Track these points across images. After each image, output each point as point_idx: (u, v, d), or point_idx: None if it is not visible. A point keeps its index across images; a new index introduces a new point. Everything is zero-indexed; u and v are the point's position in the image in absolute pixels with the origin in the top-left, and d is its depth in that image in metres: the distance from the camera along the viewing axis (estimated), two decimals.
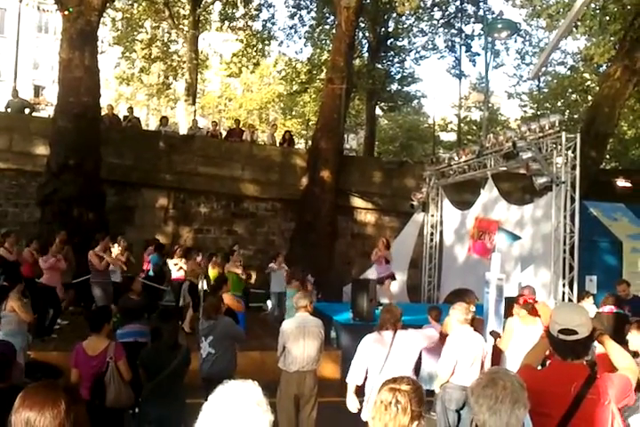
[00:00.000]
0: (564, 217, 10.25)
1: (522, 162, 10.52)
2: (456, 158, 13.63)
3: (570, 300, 9.78)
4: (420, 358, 6.89)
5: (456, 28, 27.36)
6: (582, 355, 3.05)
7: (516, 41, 28.23)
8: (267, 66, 36.34)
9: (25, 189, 14.95)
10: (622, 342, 4.13)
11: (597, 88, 20.04)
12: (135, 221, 15.98)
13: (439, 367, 5.69)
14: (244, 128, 19.48)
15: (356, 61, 25.92)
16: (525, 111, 35.29)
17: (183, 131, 20.62)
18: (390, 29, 27.35)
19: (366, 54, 27.65)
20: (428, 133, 38.08)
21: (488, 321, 7.71)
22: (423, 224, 15.30)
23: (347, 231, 17.66)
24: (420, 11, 25.72)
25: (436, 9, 27.04)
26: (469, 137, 35.76)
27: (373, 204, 17.78)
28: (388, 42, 27.59)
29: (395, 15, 25.91)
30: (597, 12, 15.91)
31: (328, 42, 25.57)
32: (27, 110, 16.73)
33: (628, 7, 15.29)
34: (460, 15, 26.84)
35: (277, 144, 18.86)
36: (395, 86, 30.65)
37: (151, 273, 12.06)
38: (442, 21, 27.51)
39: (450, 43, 28.06)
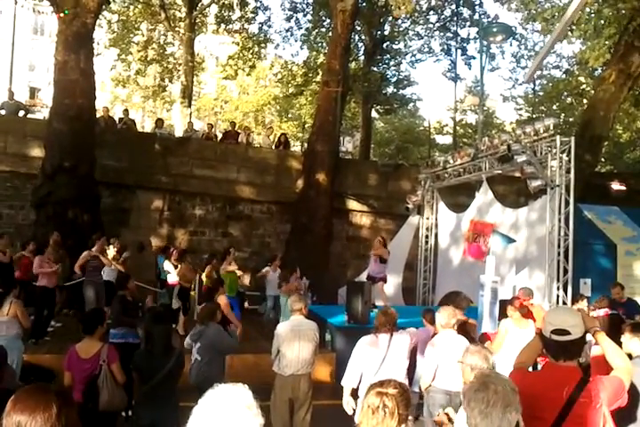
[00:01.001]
0: (559, 220, 10.27)
1: (517, 165, 10.55)
2: (451, 161, 13.65)
3: (564, 303, 9.79)
4: (415, 359, 6.94)
5: (452, 31, 27.45)
6: (575, 356, 3.05)
7: (511, 44, 28.45)
8: (263, 68, 36.38)
9: (20, 191, 14.91)
10: (618, 343, 4.14)
11: (592, 91, 20.14)
12: (130, 223, 15.96)
13: (422, 371, 5.69)
14: (239, 130, 19.46)
15: (352, 64, 25.94)
16: (520, 114, 35.43)
17: (179, 133, 20.61)
18: (386, 33, 27.39)
19: (362, 57, 27.66)
20: (423, 136, 38.15)
21: (482, 323, 7.72)
22: (418, 227, 15.31)
23: (342, 234, 17.67)
24: (416, 14, 25.82)
25: (431, 12, 27.12)
26: (465, 140, 35.82)
27: (369, 206, 17.80)
28: (384, 45, 27.63)
29: (390, 18, 25.95)
30: (592, 16, 15.99)
31: (324, 45, 25.64)
32: (22, 112, 16.69)
33: (623, 11, 15.34)
34: (455, 19, 26.92)
35: (273, 147, 18.86)
36: (390, 89, 30.67)
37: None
38: (437, 25, 27.59)
39: (445, 46, 28.15)
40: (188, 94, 25.36)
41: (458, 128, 34.33)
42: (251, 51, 26.75)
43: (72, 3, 13.58)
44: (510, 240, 11.23)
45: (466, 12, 26.75)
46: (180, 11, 26.29)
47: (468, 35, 27.78)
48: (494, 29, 17.88)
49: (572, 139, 10.49)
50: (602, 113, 16.36)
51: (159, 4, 24.62)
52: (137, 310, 7.45)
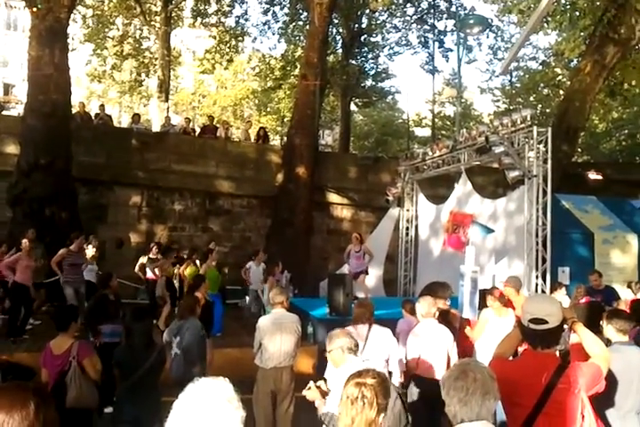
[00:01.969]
0: (537, 210, 10.36)
1: (494, 156, 10.61)
2: (430, 153, 13.69)
3: (543, 291, 9.89)
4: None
5: (429, 23, 27.55)
6: (552, 344, 3.09)
7: (488, 37, 28.63)
8: (240, 62, 36.17)
9: None
10: (598, 330, 4.20)
11: (568, 83, 20.30)
12: (108, 219, 15.81)
13: (404, 361, 5.74)
14: (218, 125, 19.36)
15: (330, 57, 25.93)
16: (498, 106, 35.70)
17: (156, 128, 20.46)
18: (364, 25, 27.41)
19: (340, 50, 27.65)
20: (402, 129, 38.28)
21: (463, 313, 7.78)
22: (399, 219, 15.36)
23: (323, 227, 17.68)
24: (393, 7, 25.85)
25: (408, 5, 27.13)
26: (443, 132, 36.03)
27: (349, 199, 17.82)
28: (362, 38, 27.65)
29: (368, 11, 25.95)
30: (567, 7, 16.14)
31: (302, 38, 25.55)
32: None
33: (597, 3, 15.51)
34: (432, 11, 27.00)
35: (252, 141, 18.79)
36: (369, 82, 30.75)
37: None
38: (415, 17, 27.63)
39: (423, 39, 28.27)
40: (164, 89, 25.13)
41: (436, 120, 34.48)
42: (228, 44, 26.57)
43: None
44: (489, 230, 11.32)
45: (443, 5, 26.90)
46: (155, 4, 25.97)
47: (445, 27, 28.01)
48: (471, 21, 17.92)
49: (549, 129, 10.57)
50: (578, 104, 16.51)
51: None
52: (119, 308, 7.40)
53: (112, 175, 15.71)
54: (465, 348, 6.62)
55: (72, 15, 15.68)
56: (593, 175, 17.76)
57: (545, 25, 16.28)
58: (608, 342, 4.13)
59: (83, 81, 31.37)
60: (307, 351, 8.87)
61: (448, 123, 38.16)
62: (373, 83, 31.20)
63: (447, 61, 28.31)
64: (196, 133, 18.45)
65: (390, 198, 14.90)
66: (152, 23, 25.43)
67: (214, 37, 26.67)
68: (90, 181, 15.28)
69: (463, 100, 35.44)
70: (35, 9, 13.49)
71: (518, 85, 32.66)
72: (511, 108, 30.22)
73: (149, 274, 11.52)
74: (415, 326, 5.97)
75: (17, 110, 22.23)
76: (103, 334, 6.93)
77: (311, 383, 3.96)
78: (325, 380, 4.19)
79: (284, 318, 6.01)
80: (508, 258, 10.90)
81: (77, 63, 22.14)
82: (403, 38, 29.25)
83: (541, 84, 30.48)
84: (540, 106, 31.04)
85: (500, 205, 11.83)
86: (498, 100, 35.75)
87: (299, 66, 22.95)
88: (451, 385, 2.40)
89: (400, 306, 7.41)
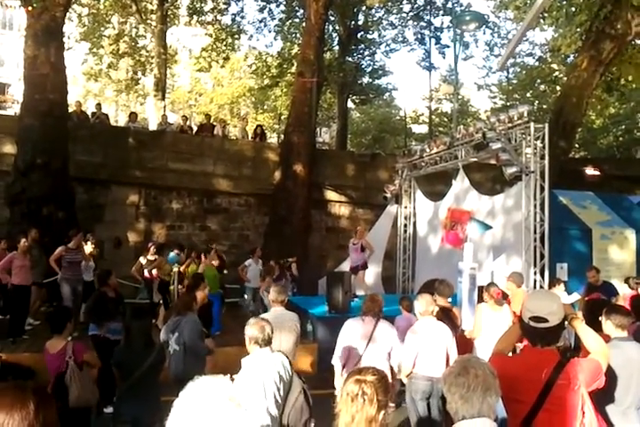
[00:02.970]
0: (534, 206, 10.36)
1: (492, 152, 10.61)
2: (427, 150, 13.68)
3: (541, 287, 9.90)
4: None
5: (425, 20, 27.55)
6: (552, 342, 3.09)
7: (484, 33, 28.58)
8: (237, 60, 36.12)
9: None
10: (599, 327, 4.21)
11: (565, 79, 20.27)
12: (105, 218, 15.79)
13: (402, 359, 5.77)
14: (215, 123, 19.33)
15: (327, 55, 25.89)
16: (495, 102, 35.68)
17: (153, 126, 20.42)
18: (360, 22, 27.34)
19: (337, 47, 27.63)
20: (399, 126, 38.26)
21: (462, 309, 7.79)
22: (396, 216, 15.35)
23: (321, 225, 17.68)
24: (390, 3, 25.83)
25: (405, 2, 27.16)
26: (440, 129, 35.97)
27: (347, 197, 17.82)
28: (358, 35, 27.59)
29: (364, 8, 25.93)
30: (564, 3, 16.11)
31: (298, 35, 25.51)
32: None
33: None
34: (428, 8, 27.01)
35: (249, 139, 18.76)
36: (366, 79, 30.70)
37: None
38: (411, 14, 27.63)
39: (419, 35, 28.26)
40: (161, 87, 25.10)
41: (433, 117, 34.47)
42: (224, 42, 26.50)
43: None
44: (487, 227, 11.32)
45: (439, 1, 26.93)
46: (151, 3, 25.93)
47: (442, 23, 27.99)
48: (467, 18, 17.90)
49: (546, 126, 10.56)
50: (575, 100, 16.50)
51: None
52: (119, 306, 7.39)
53: (109, 174, 15.69)
54: (464, 344, 6.64)
55: (68, 14, 15.61)
56: (590, 171, 17.76)
57: (541, 21, 16.24)
58: (608, 338, 4.14)
59: (79, 80, 31.28)
60: (306, 349, 8.88)
61: (445, 119, 38.11)
62: (370, 80, 31.16)
63: (444, 58, 28.20)
64: (193, 132, 18.43)
65: (388, 195, 14.89)
66: (148, 21, 25.40)
67: (210, 35, 26.60)
68: (87, 181, 15.26)
69: (460, 97, 35.34)
70: (30, 8, 13.46)
71: (515, 82, 32.64)
72: (508, 104, 30.23)
73: (147, 273, 11.51)
74: (414, 324, 5.99)
75: (13, 110, 22.17)
76: (107, 329, 6.94)
77: None
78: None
79: (283, 317, 6.01)
80: (506, 254, 10.91)
81: (73, 62, 22.10)
82: (399, 35, 29.29)
83: (538, 80, 30.48)
84: (536, 102, 31.03)
85: (498, 202, 11.83)
86: (495, 97, 35.73)
87: (295, 63, 22.89)
88: (452, 382, 2.40)
89: (398, 303, 7.44)
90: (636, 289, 8.91)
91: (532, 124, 10.35)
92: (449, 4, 26.38)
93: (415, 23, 27.93)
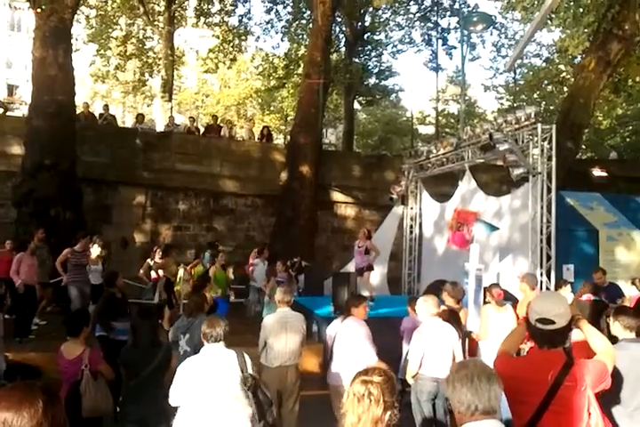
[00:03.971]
0: (541, 207, 10.34)
1: (499, 153, 10.59)
2: (434, 151, 13.68)
3: (547, 288, 9.88)
4: (401, 347, 7.03)
5: (432, 21, 27.54)
6: (558, 344, 3.08)
7: (491, 34, 28.51)
8: (244, 61, 36.16)
9: (0, 189, 14.73)
10: (600, 329, 4.20)
11: (572, 79, 20.21)
12: (112, 219, 15.85)
13: (409, 360, 5.76)
14: (221, 124, 19.39)
15: (334, 56, 25.91)
16: (502, 103, 35.62)
17: (160, 128, 20.47)
18: (367, 23, 27.35)
19: (343, 49, 27.65)
20: (406, 127, 38.23)
21: (468, 310, 7.78)
22: (403, 217, 15.35)
23: (327, 226, 17.69)
24: (397, 4, 25.85)
25: (412, 3, 27.17)
26: (447, 130, 35.95)
27: (353, 198, 17.83)
28: (365, 36, 27.61)
29: (371, 9, 25.93)
30: (571, 4, 16.06)
31: (305, 37, 25.51)
32: (0, 110, 16.48)
33: None
34: (435, 9, 26.99)
35: (256, 140, 18.79)
36: (372, 80, 30.71)
37: None
38: (418, 15, 27.62)
39: (426, 36, 28.26)
40: (168, 89, 25.18)
41: (440, 118, 34.45)
42: (231, 44, 26.54)
43: None
44: (494, 228, 11.30)
45: (446, 2, 26.91)
46: (158, 4, 26.05)
47: (449, 24, 27.95)
48: (474, 19, 17.90)
49: (554, 127, 10.55)
50: (582, 101, 16.45)
51: None
52: (126, 307, 7.40)
53: (116, 175, 15.75)
54: (469, 347, 6.64)
55: (76, 16, 15.70)
56: (597, 172, 17.70)
57: (549, 22, 16.19)
58: (615, 340, 4.13)
59: (86, 81, 31.39)
60: (311, 350, 8.86)
61: (452, 120, 38.08)
62: (377, 81, 31.17)
63: (451, 59, 28.23)
64: (200, 133, 18.49)
65: (394, 197, 14.88)
66: (155, 23, 25.49)
67: (217, 37, 26.65)
68: (94, 181, 15.32)
69: (467, 98, 35.38)
70: (39, 10, 13.54)
71: (522, 82, 32.55)
72: (515, 105, 30.15)
73: (154, 274, 11.54)
74: (420, 325, 5.99)
75: (21, 111, 22.21)
76: (114, 330, 6.95)
77: None
78: None
79: (289, 317, 6.03)
80: (512, 255, 10.89)
81: (81, 64, 22.17)
82: (406, 36, 29.27)
83: (545, 81, 30.38)
84: (544, 103, 30.96)
85: (505, 203, 11.81)
86: (502, 98, 35.67)
87: (302, 65, 22.94)
88: (454, 377, 2.43)
89: (404, 304, 7.43)
90: None
91: (539, 126, 10.34)
92: (456, 5, 26.36)
93: (422, 24, 27.95)
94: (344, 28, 26.58)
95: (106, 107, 19.29)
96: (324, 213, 17.52)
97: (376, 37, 28.79)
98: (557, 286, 9.00)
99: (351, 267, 13.09)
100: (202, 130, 19.02)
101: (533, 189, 10.44)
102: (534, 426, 2.86)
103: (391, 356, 6.32)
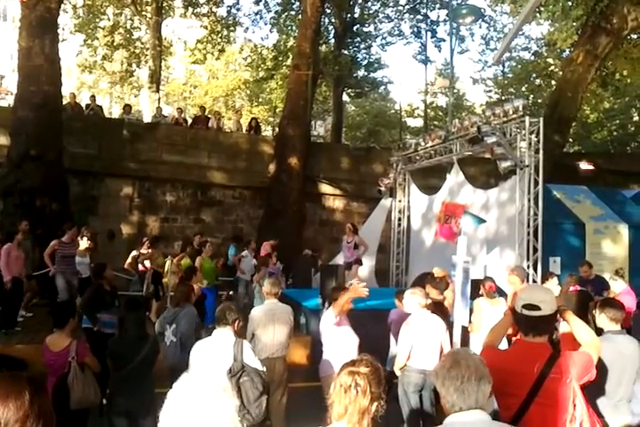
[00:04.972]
0: (528, 200, 10.38)
1: (487, 146, 10.61)
2: (422, 144, 13.68)
3: (534, 281, 9.94)
4: (388, 339, 7.05)
5: (421, 13, 27.47)
6: (544, 332, 3.09)
7: (480, 27, 28.50)
8: (232, 52, 35.97)
9: None
10: (585, 319, 4.23)
11: (560, 73, 20.29)
12: (99, 211, 15.76)
13: (397, 351, 5.78)
14: (209, 115, 19.27)
15: (323, 47, 25.78)
16: (490, 96, 35.66)
17: (147, 119, 20.35)
18: (356, 15, 27.23)
19: (332, 40, 27.50)
20: (394, 119, 38.18)
21: (455, 302, 7.80)
22: (391, 209, 15.36)
23: (315, 218, 17.69)
24: None
25: None
26: (436, 122, 36.00)
27: (341, 190, 17.82)
28: (354, 28, 27.50)
29: (360, 1, 25.85)
30: None
31: (294, 28, 25.34)
32: None
33: None
34: (425, 1, 26.91)
35: (244, 131, 18.71)
36: (361, 72, 30.62)
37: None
38: (407, 7, 27.54)
39: (415, 29, 28.19)
40: (155, 79, 25.01)
41: (428, 111, 34.43)
42: (219, 34, 26.32)
43: None
44: (481, 221, 11.33)
45: None
46: None
47: (438, 17, 27.89)
48: (464, 11, 17.81)
49: (541, 120, 10.57)
50: (570, 94, 16.52)
51: None
52: (114, 299, 7.36)
53: (103, 166, 15.64)
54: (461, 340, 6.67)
55: (62, 5, 15.54)
56: (584, 165, 17.82)
57: (537, 15, 16.21)
58: (601, 332, 4.17)
59: (73, 72, 31.12)
60: (299, 342, 8.91)
61: (440, 113, 38.13)
62: (366, 73, 31.09)
63: (440, 51, 28.39)
64: (188, 124, 18.38)
65: (382, 189, 14.89)
66: (143, 13, 25.24)
67: (206, 27, 26.42)
68: (81, 173, 15.20)
69: (455, 91, 35.42)
70: None
71: (510, 76, 32.63)
72: (503, 98, 30.23)
73: (141, 266, 11.48)
74: (408, 317, 6.00)
75: (7, 101, 21.98)
76: (101, 322, 6.91)
77: None
78: None
79: (276, 309, 6.04)
80: (499, 248, 10.94)
81: (68, 54, 21.96)
82: (395, 28, 29.15)
83: (533, 75, 30.45)
84: (531, 96, 31.03)
85: (492, 196, 11.85)
86: (490, 91, 35.71)
87: (291, 56, 22.79)
88: (445, 375, 2.40)
89: (392, 297, 7.44)
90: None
91: (526, 119, 10.36)
92: None
93: (411, 16, 27.86)
94: (333, 20, 26.46)
95: (93, 97, 19.13)
96: (312, 206, 17.51)
97: (365, 29, 28.67)
98: (544, 279, 9.03)
99: (340, 260, 13.10)
100: (189, 121, 18.91)
101: (521, 182, 10.48)
102: (521, 418, 2.88)
103: (378, 348, 6.34)
